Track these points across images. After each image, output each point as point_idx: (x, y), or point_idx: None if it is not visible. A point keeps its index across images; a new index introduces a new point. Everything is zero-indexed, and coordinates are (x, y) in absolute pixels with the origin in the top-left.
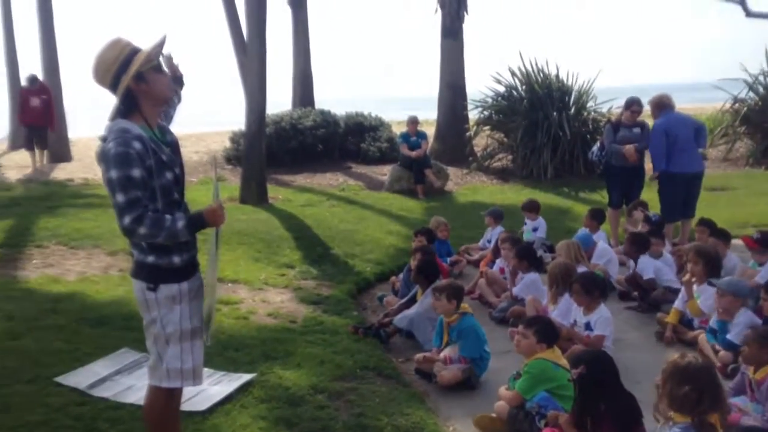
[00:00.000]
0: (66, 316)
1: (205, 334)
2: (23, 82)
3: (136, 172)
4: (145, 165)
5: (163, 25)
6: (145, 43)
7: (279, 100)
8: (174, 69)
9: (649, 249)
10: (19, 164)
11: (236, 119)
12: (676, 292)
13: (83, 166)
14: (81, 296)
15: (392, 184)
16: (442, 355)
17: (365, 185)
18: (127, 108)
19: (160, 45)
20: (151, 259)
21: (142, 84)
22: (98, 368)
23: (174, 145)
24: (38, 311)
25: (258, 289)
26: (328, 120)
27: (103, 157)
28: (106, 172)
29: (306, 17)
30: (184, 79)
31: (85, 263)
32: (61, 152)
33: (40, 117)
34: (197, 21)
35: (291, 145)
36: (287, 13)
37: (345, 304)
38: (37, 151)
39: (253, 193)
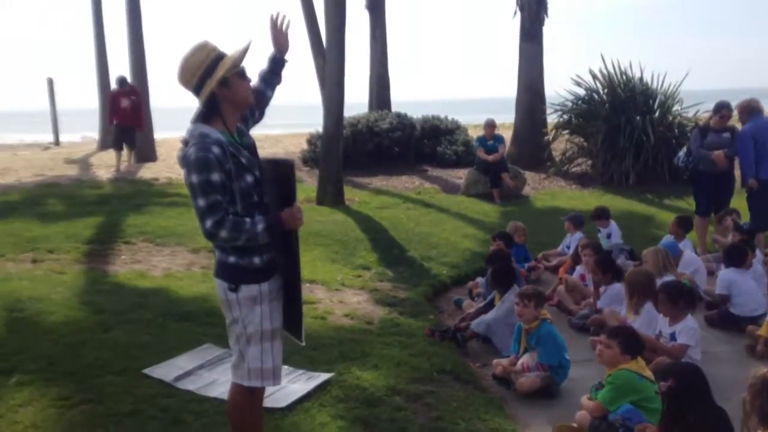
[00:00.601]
0: (153, 310)
1: (299, 334)
2: (113, 84)
3: (216, 177)
4: (225, 169)
5: (243, 27)
6: (229, 47)
7: (355, 102)
8: (282, 43)
9: (746, 262)
10: (108, 163)
11: (313, 121)
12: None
13: (167, 166)
14: (166, 292)
15: (468, 188)
16: (520, 361)
17: (441, 188)
18: (209, 112)
19: (245, 51)
20: (232, 259)
21: (225, 89)
22: (183, 362)
23: (252, 148)
24: (127, 305)
25: (335, 290)
26: (404, 123)
27: (185, 162)
28: (187, 176)
29: (384, 20)
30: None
31: (170, 260)
32: (147, 152)
33: (129, 118)
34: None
35: (367, 148)
36: (365, 15)
37: (421, 307)
38: (125, 151)
39: (330, 195)
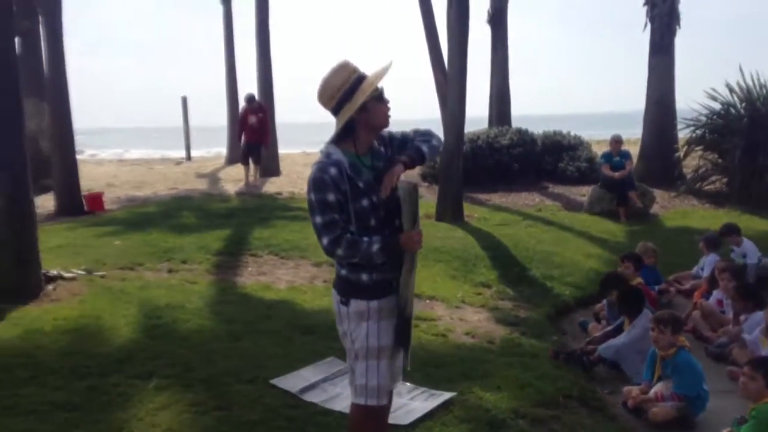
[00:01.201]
0: (278, 322)
1: (406, 359)
2: (241, 102)
3: (331, 197)
4: (341, 190)
5: (368, 43)
6: (358, 62)
7: (474, 117)
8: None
9: None
10: (235, 178)
11: None
12: None
13: (290, 181)
14: (291, 304)
15: (592, 206)
16: (653, 390)
17: (563, 206)
18: (344, 133)
19: (384, 73)
20: (343, 272)
21: (364, 113)
22: (308, 374)
23: (380, 171)
24: (254, 316)
25: (455, 307)
26: (525, 139)
27: (308, 180)
28: (307, 193)
29: (506, 35)
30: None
31: (294, 273)
32: (271, 167)
33: (256, 134)
34: (390, 41)
35: (487, 164)
36: (485, 30)
37: (544, 328)
38: (251, 166)
39: (450, 211)
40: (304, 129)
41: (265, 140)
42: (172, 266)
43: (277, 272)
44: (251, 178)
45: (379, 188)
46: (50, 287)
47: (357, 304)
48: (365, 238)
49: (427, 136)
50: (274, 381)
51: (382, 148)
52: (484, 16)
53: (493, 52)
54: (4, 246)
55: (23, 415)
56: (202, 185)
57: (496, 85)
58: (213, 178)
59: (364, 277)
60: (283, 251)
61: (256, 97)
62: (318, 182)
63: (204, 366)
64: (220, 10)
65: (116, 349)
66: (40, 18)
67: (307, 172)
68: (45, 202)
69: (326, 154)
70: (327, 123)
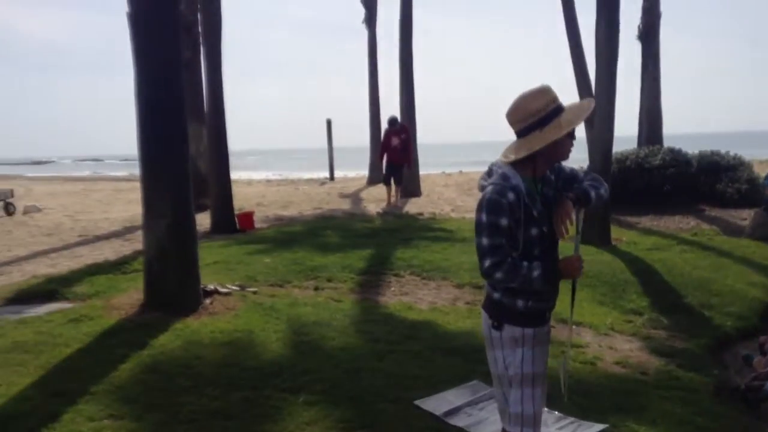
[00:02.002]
0: (421, 342)
1: (564, 388)
2: (383, 123)
3: (504, 222)
4: (515, 216)
5: (502, 68)
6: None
7: (621, 137)
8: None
9: None
10: (377, 198)
11: (575, 156)
12: None
13: (431, 201)
14: (433, 325)
15: (755, 230)
16: None
17: (721, 230)
18: (524, 158)
19: (586, 114)
20: (497, 295)
21: (551, 146)
22: (452, 397)
23: (550, 200)
24: (398, 335)
25: (603, 335)
26: (678, 159)
27: (480, 198)
28: (477, 213)
29: (657, 50)
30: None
31: (435, 293)
32: (412, 188)
33: (399, 155)
34: (532, 60)
35: (636, 185)
36: (634, 46)
37: (703, 360)
38: (393, 187)
39: (596, 234)
40: (444, 150)
41: (408, 161)
42: (318, 284)
43: (419, 292)
44: (393, 199)
45: (549, 219)
46: (207, 301)
47: (511, 330)
48: (525, 263)
49: (596, 182)
50: (418, 402)
51: (552, 176)
52: (635, 32)
53: (644, 69)
54: (169, 262)
55: (185, 423)
56: (345, 205)
57: (646, 104)
58: (355, 198)
59: (520, 303)
60: (425, 272)
61: (399, 118)
62: (494, 204)
63: (350, 383)
64: (364, 33)
65: (267, 362)
66: (201, 48)
67: (448, 193)
68: (202, 220)
69: (503, 177)
70: (467, 144)
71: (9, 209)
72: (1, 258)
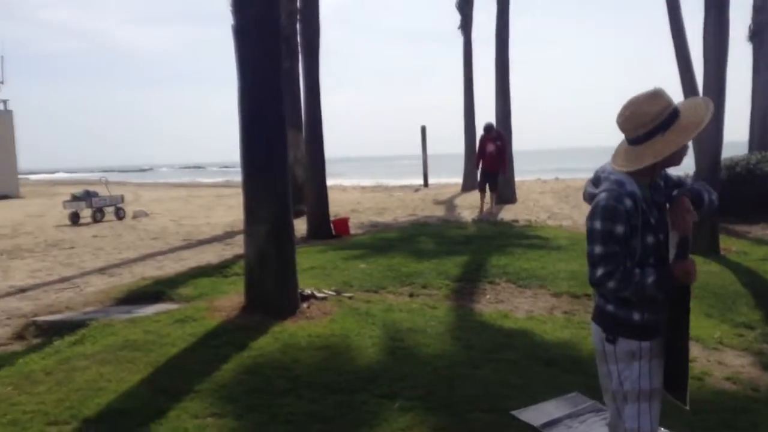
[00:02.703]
0: (518, 351)
1: (683, 395)
2: (478, 130)
3: (620, 229)
4: (631, 224)
5: (599, 74)
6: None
7: (729, 142)
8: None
9: None
10: (471, 205)
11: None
12: None
13: (526, 208)
14: (530, 334)
15: None
16: None
17: None
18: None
19: (709, 116)
20: (610, 308)
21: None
22: (551, 408)
23: (661, 207)
24: (493, 344)
25: (712, 349)
26: None
27: (593, 204)
28: (590, 220)
29: None
30: None
31: (532, 302)
32: (507, 195)
33: (494, 162)
34: (631, 65)
35: (747, 193)
36: (744, 47)
37: None
38: (488, 193)
39: (703, 243)
40: (540, 156)
41: (503, 168)
42: (413, 290)
43: (514, 300)
44: (487, 206)
45: (665, 226)
46: (305, 305)
47: (627, 344)
48: (637, 270)
49: (707, 187)
50: (515, 412)
51: (661, 183)
52: (745, 33)
53: (755, 70)
54: (268, 266)
55: (283, 424)
56: (439, 212)
57: (758, 107)
58: (450, 204)
59: (636, 316)
60: (520, 279)
61: (494, 125)
62: (610, 211)
63: (445, 391)
64: (460, 39)
65: (363, 367)
66: (299, 57)
67: (544, 200)
68: (298, 226)
69: (618, 183)
70: (563, 149)
71: (119, 214)
72: (113, 260)
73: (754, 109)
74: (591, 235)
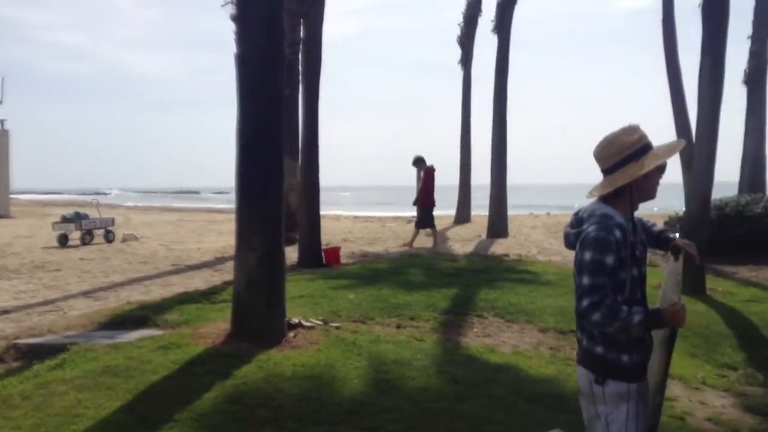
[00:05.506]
0: (502, 386)
1: None
2: (474, 163)
3: (610, 260)
4: (620, 255)
5: (594, 112)
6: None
7: (719, 183)
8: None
9: None
10: (463, 237)
11: (665, 203)
12: None
13: (517, 243)
14: (515, 369)
15: None
16: None
17: None
18: (617, 194)
19: (675, 150)
20: (599, 350)
21: (644, 179)
22: None
23: (643, 243)
24: (479, 378)
25: (694, 389)
26: None
27: (582, 237)
28: (580, 253)
29: (764, 95)
30: None
31: (518, 337)
32: (499, 228)
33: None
34: (627, 102)
35: (735, 234)
36: (739, 90)
37: None
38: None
39: (690, 283)
40: (533, 191)
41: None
42: (401, 322)
43: (502, 335)
44: (478, 238)
45: (645, 260)
46: (291, 334)
47: (617, 386)
48: (625, 307)
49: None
50: None
51: (635, 222)
52: (740, 76)
53: (749, 114)
54: (257, 293)
55: None
56: (430, 244)
57: (749, 149)
58: (441, 236)
59: (625, 358)
60: (508, 314)
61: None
62: (602, 242)
63: (428, 425)
64: (460, 74)
65: (346, 399)
66: (300, 86)
67: (535, 235)
68: (289, 254)
69: (605, 216)
70: (555, 185)
71: (109, 237)
72: (99, 283)
73: (746, 151)
74: (580, 265)
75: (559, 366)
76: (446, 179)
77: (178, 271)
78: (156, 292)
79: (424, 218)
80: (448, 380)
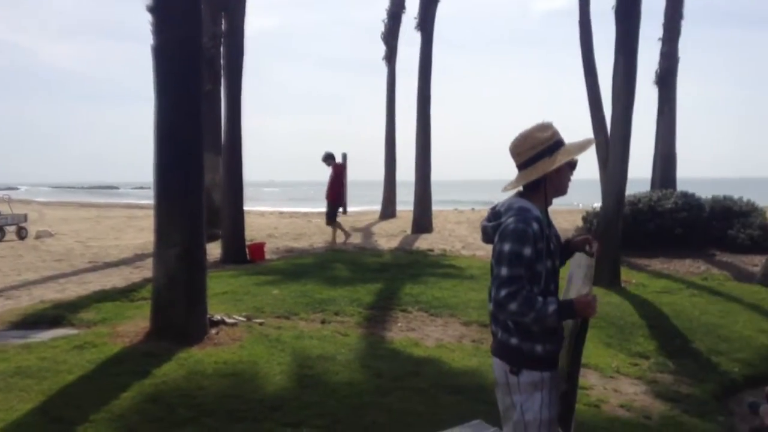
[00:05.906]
0: (426, 379)
1: (568, 426)
2: (399, 158)
3: (527, 251)
4: (537, 247)
5: (517, 108)
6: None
7: (634, 179)
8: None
9: None
10: (389, 233)
11: (585, 198)
12: None
13: (442, 238)
14: (438, 362)
15: (766, 277)
16: None
17: (731, 275)
18: (533, 189)
19: (586, 147)
20: (514, 341)
21: (556, 175)
22: None
23: (557, 236)
24: (402, 372)
25: (609, 377)
26: (690, 203)
27: (501, 229)
28: (499, 244)
29: (674, 95)
30: None
31: (442, 330)
32: (424, 224)
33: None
34: (547, 102)
35: (648, 228)
36: (650, 90)
37: (708, 406)
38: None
39: (605, 275)
40: (457, 186)
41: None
42: (326, 317)
43: (425, 329)
44: (404, 233)
45: (559, 253)
46: (213, 331)
47: (530, 375)
48: (540, 298)
49: None
50: None
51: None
52: (652, 77)
53: (659, 113)
54: (177, 291)
55: None
56: (356, 239)
57: (661, 148)
58: (367, 232)
59: (538, 348)
60: (432, 308)
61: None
62: (520, 234)
63: (351, 419)
64: (384, 70)
65: (270, 395)
66: (222, 80)
67: (459, 230)
68: (212, 250)
69: (523, 209)
70: (480, 181)
71: (21, 234)
72: (11, 282)
73: (658, 148)
74: (499, 256)
75: (481, 358)
76: (372, 175)
77: (96, 268)
78: (71, 290)
79: (330, 212)
80: (371, 374)
